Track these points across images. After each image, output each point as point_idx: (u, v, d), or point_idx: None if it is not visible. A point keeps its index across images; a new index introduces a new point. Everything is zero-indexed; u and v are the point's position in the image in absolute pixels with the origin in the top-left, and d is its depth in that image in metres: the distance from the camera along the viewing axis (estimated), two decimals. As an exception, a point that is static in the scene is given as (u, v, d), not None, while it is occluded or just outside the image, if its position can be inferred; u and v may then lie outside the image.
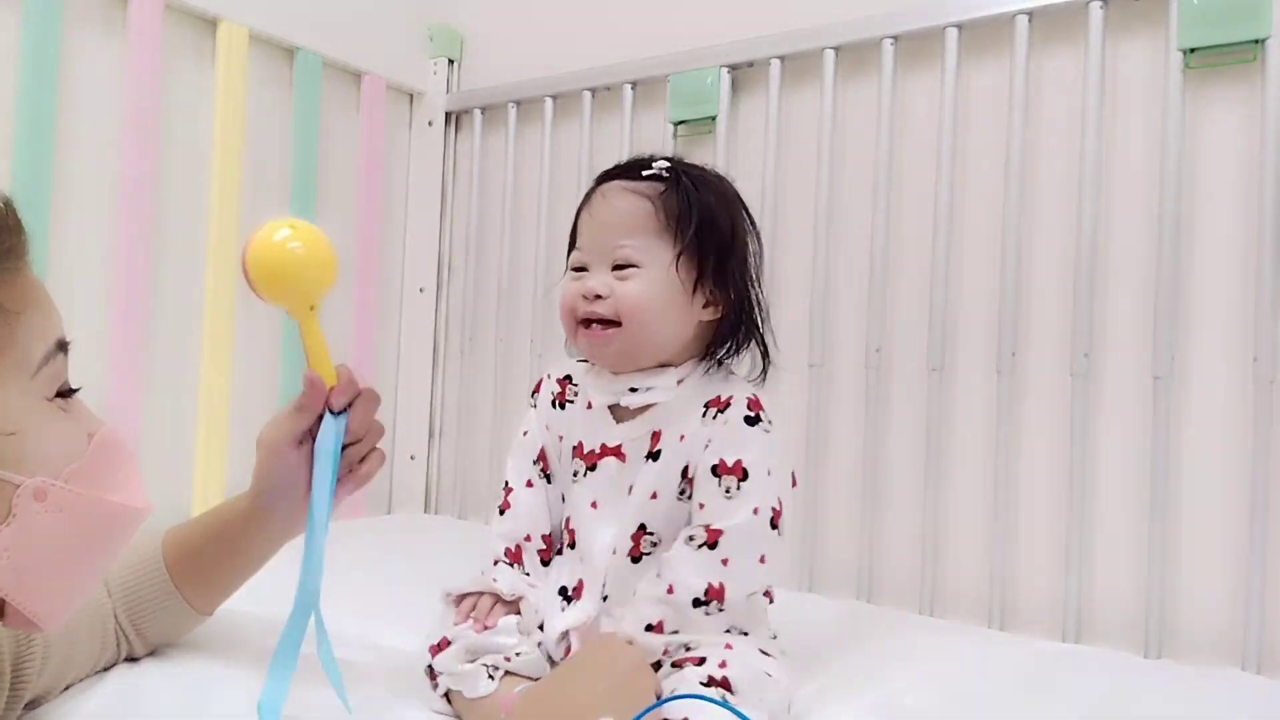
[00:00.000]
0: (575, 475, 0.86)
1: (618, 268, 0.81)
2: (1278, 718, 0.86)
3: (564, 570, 0.85)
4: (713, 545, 0.76)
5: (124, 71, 1.29)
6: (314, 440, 0.74)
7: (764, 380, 0.88)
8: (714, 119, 1.41)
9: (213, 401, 1.37)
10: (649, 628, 0.76)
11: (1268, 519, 1.01)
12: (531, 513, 0.88)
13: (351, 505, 0.78)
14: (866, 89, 1.30)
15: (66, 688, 0.72)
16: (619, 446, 0.83)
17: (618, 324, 0.80)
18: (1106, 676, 0.92)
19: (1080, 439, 1.12)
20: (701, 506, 0.79)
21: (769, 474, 0.78)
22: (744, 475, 0.77)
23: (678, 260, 0.81)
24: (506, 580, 0.83)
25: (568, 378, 0.90)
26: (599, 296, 0.81)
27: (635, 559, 0.81)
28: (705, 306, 0.83)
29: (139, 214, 1.29)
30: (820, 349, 1.30)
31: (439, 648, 0.79)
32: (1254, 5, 1.03)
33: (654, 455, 0.82)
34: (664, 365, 0.84)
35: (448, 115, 1.76)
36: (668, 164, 0.84)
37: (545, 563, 0.87)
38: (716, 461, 0.78)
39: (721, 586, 0.75)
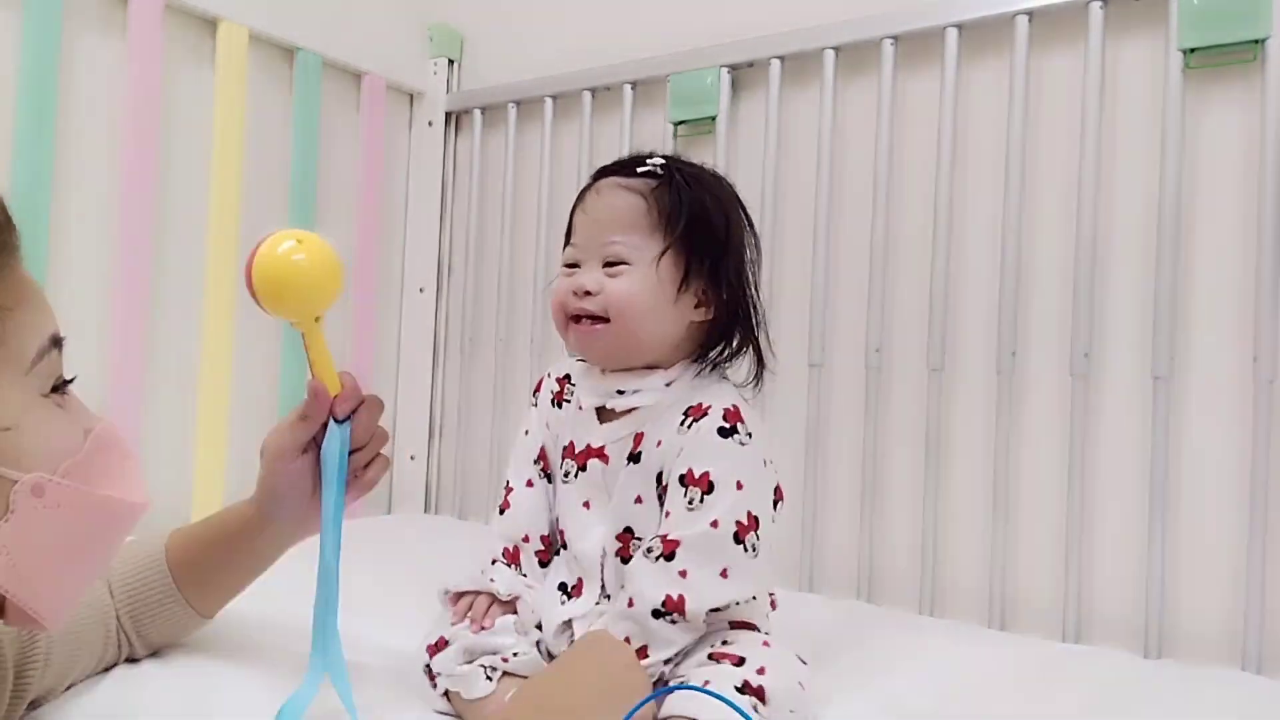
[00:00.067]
0: (567, 476, 0.85)
1: (609, 264, 0.80)
2: (1278, 718, 0.86)
3: (562, 569, 0.85)
4: (669, 556, 0.74)
5: (124, 71, 1.29)
6: (318, 448, 0.74)
7: (759, 385, 0.86)
8: (714, 119, 1.41)
9: (213, 401, 1.37)
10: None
11: (1268, 519, 1.01)
12: (531, 513, 0.87)
13: (351, 506, 0.78)
14: (866, 89, 1.30)
15: (68, 688, 0.73)
16: (602, 448, 0.83)
17: (607, 320, 0.80)
18: (1106, 676, 0.92)
19: (1080, 439, 1.12)
20: (667, 515, 0.77)
21: (739, 487, 0.75)
22: (709, 488, 0.75)
23: (661, 256, 0.79)
24: (504, 580, 0.83)
25: (567, 377, 0.90)
26: (589, 293, 0.80)
27: (625, 560, 0.80)
28: (697, 307, 0.82)
29: (139, 214, 1.29)
30: (820, 349, 1.30)
31: (436, 648, 0.79)
32: (1254, 5, 1.03)
33: (635, 458, 0.81)
34: (653, 367, 0.82)
35: (448, 115, 1.76)
36: (662, 161, 0.83)
37: (544, 563, 0.87)
38: (685, 471, 0.76)
39: (681, 598, 0.72)
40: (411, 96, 1.77)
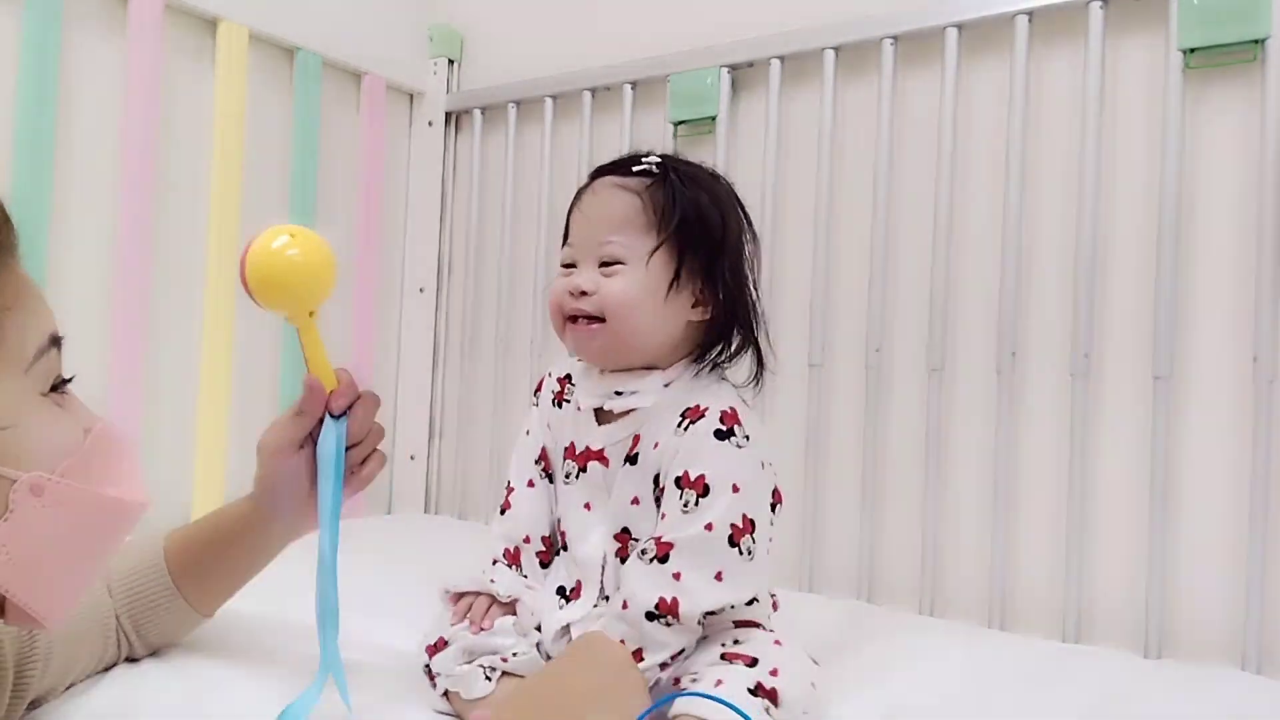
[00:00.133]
0: (568, 477, 0.85)
1: (604, 264, 0.80)
2: (1278, 718, 0.86)
3: (562, 571, 0.85)
4: (663, 559, 0.73)
5: (124, 71, 1.29)
6: (315, 444, 0.74)
7: (759, 385, 0.86)
8: (714, 119, 1.41)
9: (213, 401, 1.37)
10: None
11: (1268, 519, 1.01)
12: (532, 513, 0.87)
13: (351, 505, 0.78)
14: (866, 89, 1.30)
15: (68, 687, 0.73)
16: (602, 451, 0.82)
17: (603, 320, 0.79)
18: (1106, 676, 0.92)
19: (1080, 439, 1.12)
20: (663, 517, 0.76)
21: (735, 490, 0.74)
22: (704, 490, 0.74)
23: (651, 254, 0.79)
24: (504, 581, 0.83)
25: (568, 377, 0.89)
26: (584, 293, 0.80)
27: (625, 560, 0.79)
28: (694, 306, 0.82)
29: (139, 214, 1.29)
30: (820, 349, 1.30)
31: (436, 648, 0.79)
32: (1254, 5, 1.03)
33: (632, 459, 0.80)
34: (652, 367, 0.82)
35: (448, 115, 1.76)
36: (658, 159, 0.83)
37: (545, 564, 0.86)
38: (681, 473, 0.76)
39: (675, 601, 0.72)
40: (411, 96, 1.77)
